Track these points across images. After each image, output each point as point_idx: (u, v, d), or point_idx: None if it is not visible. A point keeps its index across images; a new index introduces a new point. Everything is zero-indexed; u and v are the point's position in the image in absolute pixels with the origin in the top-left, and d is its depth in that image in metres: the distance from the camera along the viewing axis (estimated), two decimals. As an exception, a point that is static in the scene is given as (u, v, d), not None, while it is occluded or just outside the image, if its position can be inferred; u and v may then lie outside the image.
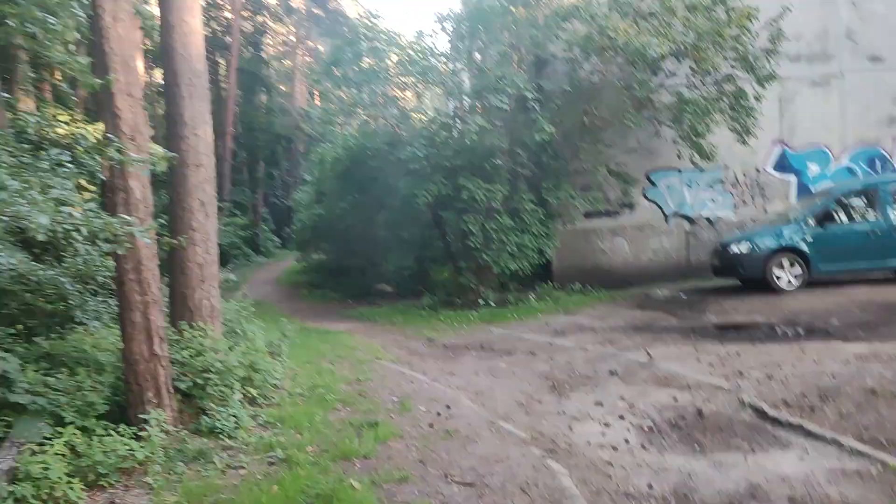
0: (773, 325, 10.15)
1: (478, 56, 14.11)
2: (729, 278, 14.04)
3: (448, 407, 6.61)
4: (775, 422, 5.65)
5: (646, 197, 16.11)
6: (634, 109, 13.15)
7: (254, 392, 6.85)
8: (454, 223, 12.92)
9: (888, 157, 16.09)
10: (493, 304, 12.93)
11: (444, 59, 14.16)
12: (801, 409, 5.86)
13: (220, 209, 30.81)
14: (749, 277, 13.15)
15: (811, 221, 12.86)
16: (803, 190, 16.28)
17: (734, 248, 13.25)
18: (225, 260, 30.85)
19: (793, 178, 16.35)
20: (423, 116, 14.34)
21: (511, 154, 13.04)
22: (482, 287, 13.34)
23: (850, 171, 16.18)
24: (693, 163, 14.48)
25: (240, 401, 6.58)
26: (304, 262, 21.00)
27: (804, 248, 12.74)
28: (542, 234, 12.97)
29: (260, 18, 39.05)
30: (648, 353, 8.22)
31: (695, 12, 12.84)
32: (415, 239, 13.74)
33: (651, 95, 13.93)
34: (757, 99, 14.17)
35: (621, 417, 6.07)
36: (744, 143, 14.12)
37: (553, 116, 12.67)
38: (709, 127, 13.16)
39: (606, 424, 5.91)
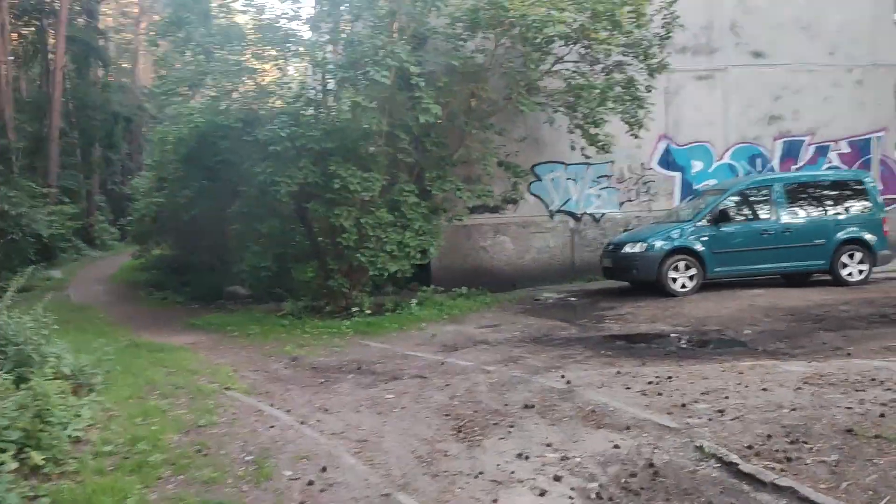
0: (684, 336, 9.17)
1: (346, 27, 12.26)
2: (621, 280, 13.14)
3: (324, 469, 4.82)
4: (754, 481, 4.36)
5: (530, 192, 14.95)
6: (526, 93, 11.84)
7: (38, 458, 4.72)
8: (323, 217, 11.04)
9: (768, 156, 15.92)
10: (368, 311, 11.19)
11: (307, 26, 12.21)
12: (776, 458, 4.62)
13: (44, 196, 26.91)
14: (643, 280, 12.28)
15: (705, 220, 12.17)
16: (686, 187, 15.79)
17: (628, 249, 12.33)
18: (51, 254, 26.92)
19: (677, 175, 15.81)
20: (285, 91, 12.26)
21: (390, 138, 11.32)
22: (356, 291, 11.55)
23: (732, 168, 15.87)
24: (585, 156, 13.45)
25: (12, 473, 4.47)
26: (143, 258, 18.14)
27: (699, 248, 12.03)
28: (426, 230, 11.36)
29: (95, -18, 34.70)
30: (566, 378, 6.82)
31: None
32: (274, 234, 11.69)
33: (540, 81, 12.72)
34: (648, 90, 13.34)
35: (557, 479, 4.56)
36: (635, 136, 13.24)
37: (438, 97, 11.07)
38: (604, 117, 12.10)
39: (541, 493, 4.38)
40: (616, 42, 11.82)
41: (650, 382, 6.48)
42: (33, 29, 33.01)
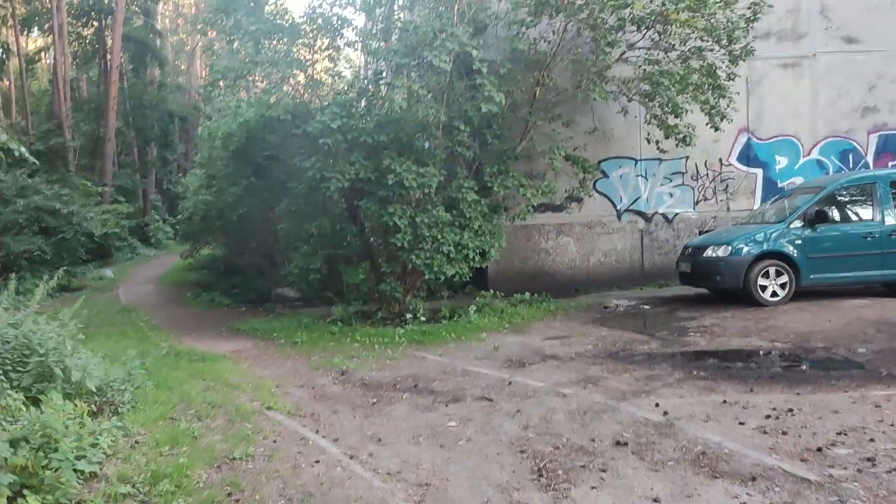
0: (787, 354, 7.98)
1: (401, 13, 11.39)
2: (700, 287, 11.92)
3: (377, 526, 3.92)
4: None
5: (596, 189, 13.82)
6: (594, 84, 10.76)
7: (35, 502, 3.93)
8: (375, 216, 10.17)
9: (862, 151, 14.44)
10: (423, 318, 10.28)
11: (361, 14, 11.40)
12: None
13: (100, 194, 26.92)
14: (727, 287, 11.05)
15: (799, 222, 10.87)
16: (769, 186, 14.42)
17: (710, 253, 11.11)
18: (104, 253, 26.91)
19: (759, 172, 14.45)
20: (337, 81, 11.45)
21: (449, 130, 10.38)
22: (409, 297, 10.66)
23: (820, 165, 14.44)
24: (661, 150, 12.27)
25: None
26: (191, 258, 17.65)
27: (792, 253, 10.73)
28: (486, 231, 10.40)
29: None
30: (661, 408, 5.77)
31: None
32: (324, 234, 10.88)
33: (608, 71, 11.64)
34: (730, 78, 12.12)
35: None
36: (716, 128, 12.02)
37: (500, 86, 10.09)
38: (688, 105, 10.92)
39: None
40: (698, 25, 10.63)
41: (767, 416, 5.38)
42: (92, 30, 33.33)
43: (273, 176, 12.62)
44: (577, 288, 13.95)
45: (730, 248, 10.91)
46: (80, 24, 32.75)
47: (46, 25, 27.08)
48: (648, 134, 11.85)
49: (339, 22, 10.77)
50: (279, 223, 12.25)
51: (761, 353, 8.13)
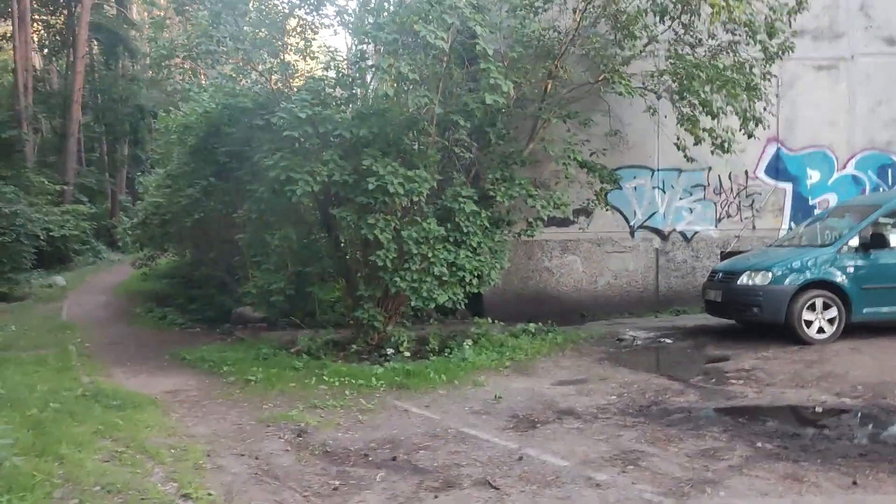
0: (867, 416, 6.30)
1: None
2: (730, 318, 10.25)
3: None
4: None
5: (607, 202, 12.07)
6: (618, 76, 9.08)
7: None
8: (352, 227, 8.40)
9: (903, 166, 12.89)
10: (407, 353, 8.51)
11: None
12: None
13: (60, 194, 24.90)
14: (766, 321, 9.39)
15: (849, 246, 9.27)
16: (799, 202, 12.85)
17: (746, 280, 9.45)
18: (64, 257, 24.86)
19: (788, 187, 12.85)
20: (312, 65, 9.70)
21: (444, 126, 8.66)
22: (391, 326, 8.90)
23: (856, 181, 12.86)
24: (689, 158, 10.59)
25: None
26: (146, 269, 15.72)
27: (843, 282, 9.11)
28: (487, 248, 8.66)
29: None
30: (746, 519, 4.04)
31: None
32: (291, 248, 9.08)
33: (627, 66, 10.03)
34: (766, 78, 10.54)
35: None
36: (750, 135, 10.40)
37: (507, 75, 8.36)
38: (725, 105, 9.27)
39: None
40: (740, 10, 8.99)
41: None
42: (62, 18, 31.32)
43: (236, 177, 10.84)
44: (584, 313, 12.29)
45: (770, 275, 9.26)
46: (48, 11, 30.75)
47: (9, 10, 25.08)
48: (679, 138, 10.16)
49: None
50: (241, 232, 10.43)
51: (831, 413, 6.45)
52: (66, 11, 30.83)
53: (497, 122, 9.00)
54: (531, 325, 9.90)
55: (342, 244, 9.36)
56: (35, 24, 30.66)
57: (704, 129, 9.57)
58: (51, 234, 22.35)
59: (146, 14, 41.52)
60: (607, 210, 12.06)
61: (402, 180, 8.00)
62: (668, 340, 10.04)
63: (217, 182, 11.35)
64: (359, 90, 8.89)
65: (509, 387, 7.46)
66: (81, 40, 25.99)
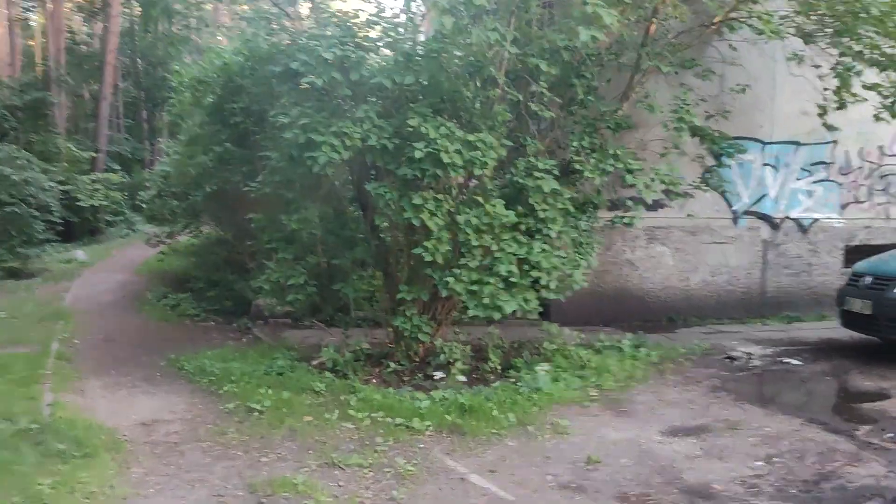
0: None
1: None
2: (882, 337, 7.91)
3: None
4: None
5: (705, 182, 9.70)
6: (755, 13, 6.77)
7: None
8: (393, 209, 6.36)
9: None
10: (461, 376, 6.48)
11: None
12: None
13: (91, 161, 23.53)
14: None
15: None
16: (945, 187, 10.33)
17: (913, 288, 7.11)
18: (94, 229, 23.55)
19: (933, 168, 10.34)
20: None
21: (518, 77, 6.48)
22: (440, 338, 6.87)
23: None
24: (829, 127, 8.23)
25: None
26: (164, 246, 13.96)
27: None
28: (570, 240, 6.52)
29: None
30: None
31: None
32: (314, 232, 7.08)
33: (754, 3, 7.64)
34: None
35: None
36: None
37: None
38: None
39: None
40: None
41: None
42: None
43: (255, 142, 8.89)
44: (673, 317, 10.09)
45: (947, 283, 6.92)
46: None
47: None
48: (825, 97, 7.77)
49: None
50: (260, 211, 8.47)
51: None
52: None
53: (585, 71, 6.80)
54: (625, 341, 7.72)
55: (379, 232, 7.32)
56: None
57: (865, 86, 7.18)
58: (78, 203, 21.10)
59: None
60: (706, 192, 9.74)
61: (459, 147, 5.89)
62: (795, 361, 7.78)
63: (234, 148, 9.42)
64: (404, 28, 6.75)
65: (605, 438, 5.36)
66: (116, -2, 24.40)
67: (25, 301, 11.57)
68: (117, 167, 25.23)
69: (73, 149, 21.35)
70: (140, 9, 30.36)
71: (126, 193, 23.91)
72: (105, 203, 22.31)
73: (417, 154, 5.90)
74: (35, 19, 29.31)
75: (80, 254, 17.66)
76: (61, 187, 18.08)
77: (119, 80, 27.48)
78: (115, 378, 7.06)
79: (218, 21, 30.69)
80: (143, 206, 14.01)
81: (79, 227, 22.12)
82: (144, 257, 18.23)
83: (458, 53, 6.20)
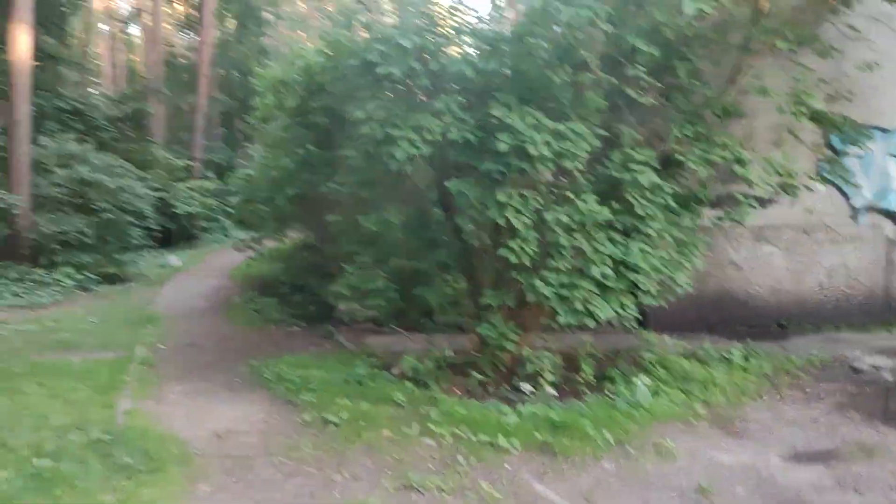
0: None
1: None
2: None
3: None
4: None
5: (824, 174, 8.76)
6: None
7: None
8: (476, 207, 5.91)
9: None
10: (552, 391, 5.96)
11: None
12: None
13: (188, 169, 24.30)
14: None
15: None
16: None
17: None
18: (188, 235, 24.25)
19: None
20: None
21: (613, 60, 5.92)
22: (528, 347, 6.38)
23: None
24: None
25: None
26: (254, 254, 13.99)
27: None
28: (671, 239, 5.91)
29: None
30: None
31: None
32: (394, 234, 6.73)
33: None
34: None
35: None
36: None
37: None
38: None
39: None
40: None
41: None
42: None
43: (336, 142, 8.65)
44: (782, 323, 9.20)
45: None
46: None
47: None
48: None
49: None
50: (341, 214, 8.23)
51: None
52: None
53: (689, 53, 6.16)
54: (735, 352, 6.99)
55: (463, 232, 6.89)
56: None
57: None
58: (174, 210, 21.76)
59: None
60: (824, 186, 8.81)
61: (548, 138, 5.39)
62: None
63: (316, 150, 9.22)
64: (489, 16, 6.32)
65: (715, 462, 4.73)
66: (208, 10, 25.12)
67: (118, 306, 11.81)
68: (212, 175, 25.96)
69: (170, 158, 22.04)
70: (233, 21, 31.26)
71: (220, 200, 24.56)
72: (200, 210, 22.92)
73: (502, 147, 5.44)
74: (135, 35, 30.67)
75: (173, 259, 18.13)
76: (157, 195, 18.59)
77: (214, 91, 28.30)
78: (195, 384, 6.93)
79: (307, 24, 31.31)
80: (231, 211, 14.08)
81: (176, 233, 22.83)
82: (236, 262, 18.54)
83: (547, 35, 5.68)
